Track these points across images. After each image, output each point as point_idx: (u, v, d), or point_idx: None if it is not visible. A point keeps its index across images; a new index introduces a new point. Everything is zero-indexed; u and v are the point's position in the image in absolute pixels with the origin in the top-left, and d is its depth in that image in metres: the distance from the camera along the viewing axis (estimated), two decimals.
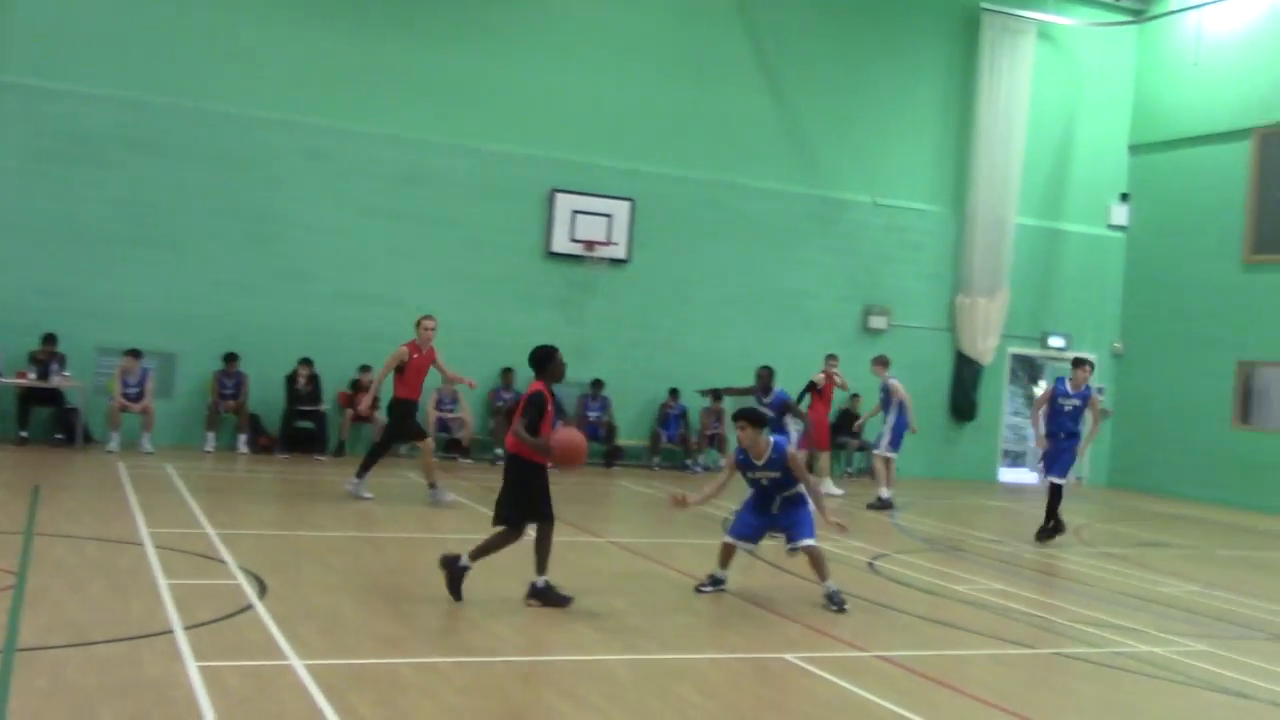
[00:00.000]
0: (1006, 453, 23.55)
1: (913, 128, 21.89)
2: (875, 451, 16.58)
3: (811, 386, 17.83)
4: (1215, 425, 21.08)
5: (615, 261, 19.60)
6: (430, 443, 13.65)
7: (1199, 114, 22.00)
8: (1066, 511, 14.61)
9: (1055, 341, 22.93)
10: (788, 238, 20.89)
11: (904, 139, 21.82)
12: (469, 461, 18.19)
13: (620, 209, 19.55)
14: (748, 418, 9.26)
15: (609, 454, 19.18)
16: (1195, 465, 21.27)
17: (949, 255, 22.07)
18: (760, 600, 9.49)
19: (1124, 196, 23.32)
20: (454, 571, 8.50)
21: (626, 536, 12.44)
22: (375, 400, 14.29)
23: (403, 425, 13.40)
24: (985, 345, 21.96)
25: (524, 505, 8.64)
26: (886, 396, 16.42)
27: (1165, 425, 22.00)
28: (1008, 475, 23.21)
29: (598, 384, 19.26)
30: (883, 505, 16.01)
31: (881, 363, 16.74)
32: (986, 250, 21.85)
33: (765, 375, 15.50)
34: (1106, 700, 7.33)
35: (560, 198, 19.29)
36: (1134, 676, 7.88)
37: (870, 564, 11.53)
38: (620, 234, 19.53)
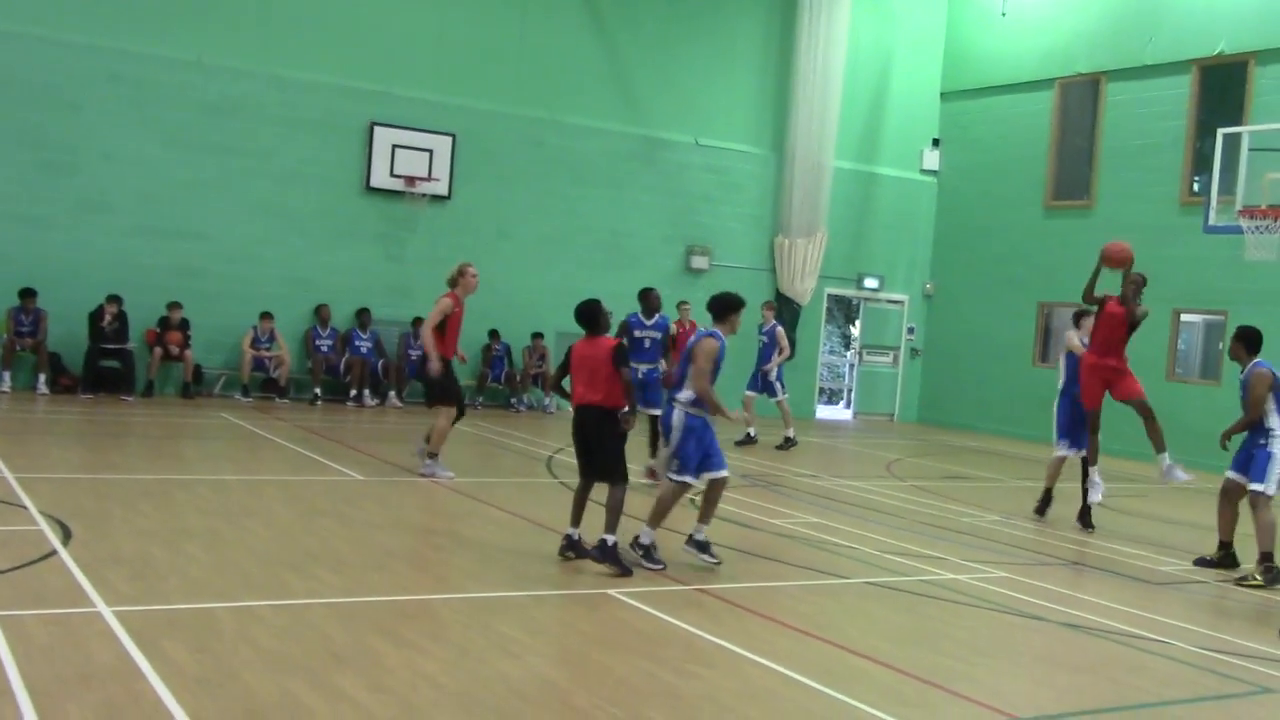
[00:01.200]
0: (822, 390, 24.22)
1: (734, 70, 22.07)
2: (777, 399, 17.27)
3: (670, 338, 15.72)
4: (1017, 363, 22.09)
5: (436, 198, 19.26)
6: (452, 413, 11.87)
7: (1006, 63, 22.79)
8: (878, 448, 15.15)
9: (870, 282, 23.61)
10: (610, 177, 20.88)
11: (726, 81, 21.98)
12: (286, 401, 17.74)
13: (442, 144, 19.18)
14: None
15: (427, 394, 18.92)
16: (998, 401, 22.26)
17: (769, 197, 22.42)
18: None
19: (935, 142, 24.06)
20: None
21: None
22: (444, 361, 11.68)
23: (449, 387, 11.79)
24: (804, 286, 22.46)
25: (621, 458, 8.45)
26: (770, 341, 17.12)
27: (972, 364, 22.93)
28: (824, 412, 23.89)
29: (418, 323, 18.95)
30: (789, 444, 16.88)
31: (770, 308, 17.98)
32: (805, 193, 22.28)
33: (652, 299, 13.24)
34: (913, 625, 7.65)
35: (380, 131, 18.81)
36: (938, 602, 8.25)
37: (691, 500, 11.72)
38: (442, 170, 19.18)
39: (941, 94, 24.02)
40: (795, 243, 22.26)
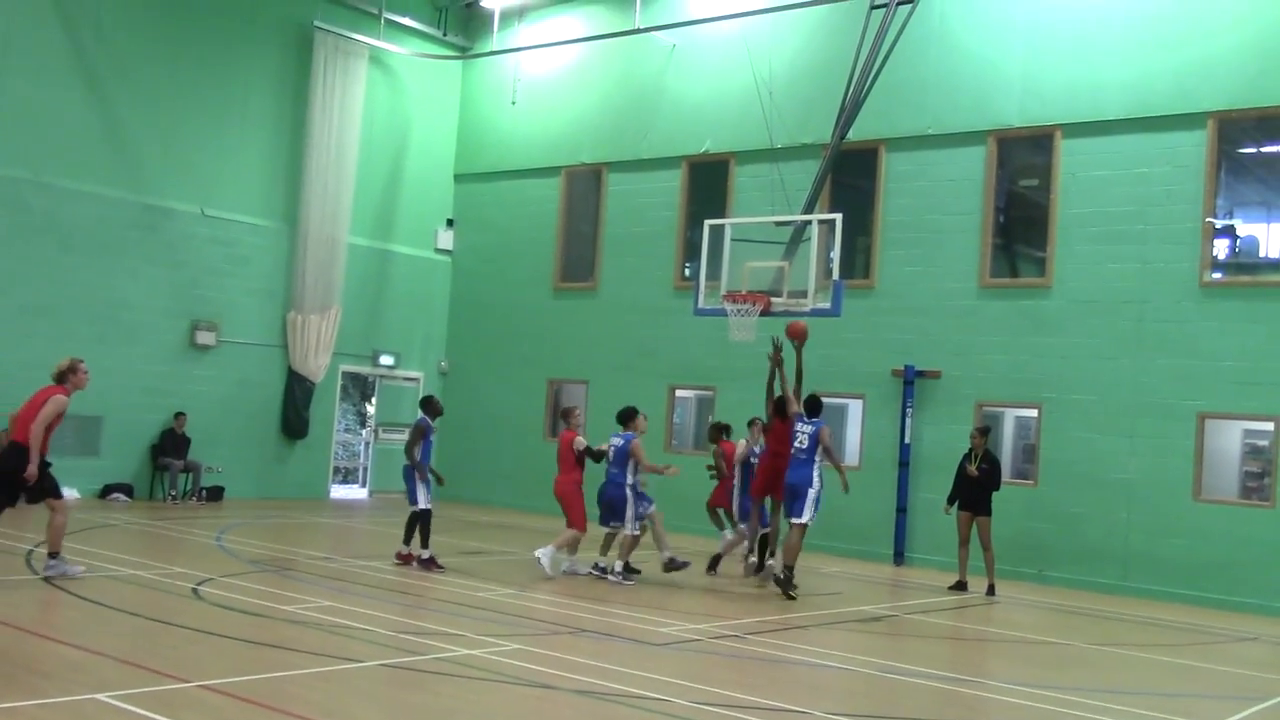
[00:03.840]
0: (338, 469, 23.72)
1: (245, 140, 21.35)
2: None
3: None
4: (529, 437, 22.76)
5: None
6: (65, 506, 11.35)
7: (517, 149, 23.71)
8: (398, 525, 14.98)
9: (385, 360, 23.52)
10: (105, 244, 19.41)
11: (235, 151, 21.21)
12: None
13: None
14: None
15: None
16: (512, 475, 22.76)
17: (281, 271, 21.79)
18: (69, 638, 8.67)
19: (450, 222, 24.51)
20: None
21: None
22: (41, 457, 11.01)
23: (50, 480, 11.21)
24: (318, 363, 21.97)
25: None
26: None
27: (486, 439, 23.34)
28: (339, 491, 23.37)
29: None
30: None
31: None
32: (318, 268, 21.89)
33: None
34: (426, 704, 7.56)
35: None
36: (454, 679, 8.22)
37: (194, 590, 11.01)
38: None
39: (456, 175, 24.56)
40: (309, 318, 21.76)
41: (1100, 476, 16.69)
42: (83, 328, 19.03)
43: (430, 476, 13.95)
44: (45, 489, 11.02)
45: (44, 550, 12.16)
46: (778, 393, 14.38)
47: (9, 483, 10.83)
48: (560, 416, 14.92)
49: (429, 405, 14.33)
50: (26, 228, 18.50)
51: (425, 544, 13.64)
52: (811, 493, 13.41)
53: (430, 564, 13.51)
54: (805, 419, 13.74)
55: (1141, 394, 16.56)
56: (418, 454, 13.83)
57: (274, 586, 11.57)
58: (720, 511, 15.65)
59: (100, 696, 7.00)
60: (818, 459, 13.55)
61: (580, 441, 13.94)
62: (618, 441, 13.76)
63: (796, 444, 13.64)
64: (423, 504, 13.71)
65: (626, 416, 14.05)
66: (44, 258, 18.67)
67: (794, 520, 13.44)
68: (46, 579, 10.93)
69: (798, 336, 14.33)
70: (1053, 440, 17.23)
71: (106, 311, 19.39)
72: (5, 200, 18.28)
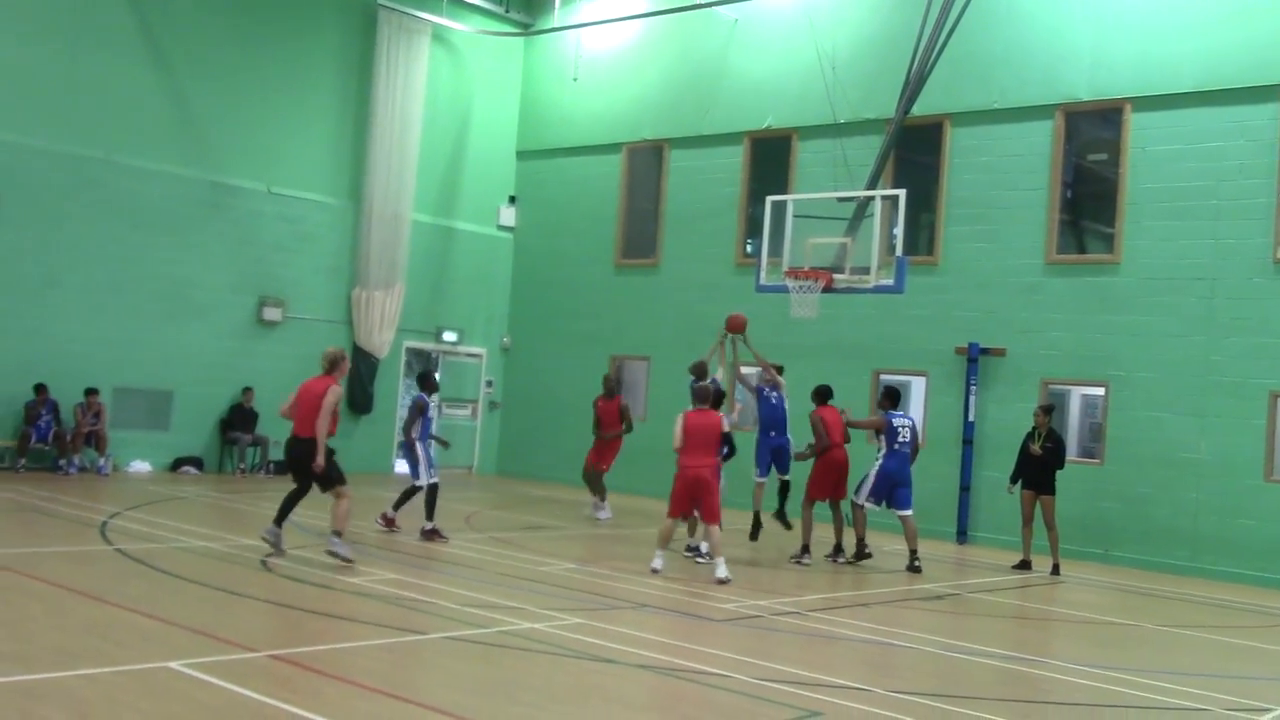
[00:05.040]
0: (401, 444, 23.91)
1: (310, 118, 21.58)
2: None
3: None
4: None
5: None
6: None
7: (579, 126, 23.73)
8: (458, 500, 15.14)
9: (448, 336, 23.71)
10: (175, 222, 19.74)
11: (301, 129, 21.45)
12: None
13: None
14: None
15: None
16: (574, 452, 22.79)
17: (346, 248, 22.03)
18: (144, 607, 8.88)
19: (512, 199, 24.61)
20: None
21: None
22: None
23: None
24: (382, 339, 22.21)
25: None
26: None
27: (548, 416, 23.47)
28: (402, 466, 23.57)
29: None
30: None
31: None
32: (383, 244, 22.09)
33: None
34: (490, 677, 7.65)
35: None
36: (516, 652, 8.31)
37: (263, 561, 11.22)
38: None
39: (518, 152, 24.64)
40: (373, 295, 21.99)
41: (1169, 456, 16.45)
42: (153, 304, 19.42)
43: (429, 451, 13.99)
44: (331, 478, 11.47)
45: (117, 521, 12.46)
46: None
47: (301, 471, 11.51)
48: (697, 398, 14.44)
49: (425, 382, 14.42)
50: (99, 206, 18.86)
51: (430, 516, 13.70)
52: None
53: (433, 535, 13.60)
54: (899, 413, 14.37)
55: (1212, 372, 16.29)
56: (415, 432, 13.89)
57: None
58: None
59: (173, 664, 7.17)
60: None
61: (730, 422, 13.43)
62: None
63: (901, 439, 14.03)
64: (424, 480, 13.76)
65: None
66: (116, 236, 19.03)
67: (906, 512, 14.13)
68: (330, 553, 11.29)
69: (738, 329, 15.07)
70: (1120, 419, 17.00)
71: (176, 288, 19.73)
72: (79, 179, 18.64)
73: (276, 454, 20.51)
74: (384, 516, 14.21)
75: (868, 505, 14.12)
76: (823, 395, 14.48)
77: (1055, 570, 14.90)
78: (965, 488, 18.09)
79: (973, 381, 18.11)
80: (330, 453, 11.48)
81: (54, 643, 7.62)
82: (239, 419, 20.10)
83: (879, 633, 10.12)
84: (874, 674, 8.55)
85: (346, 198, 22.01)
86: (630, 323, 22.58)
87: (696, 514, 12.77)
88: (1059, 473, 14.96)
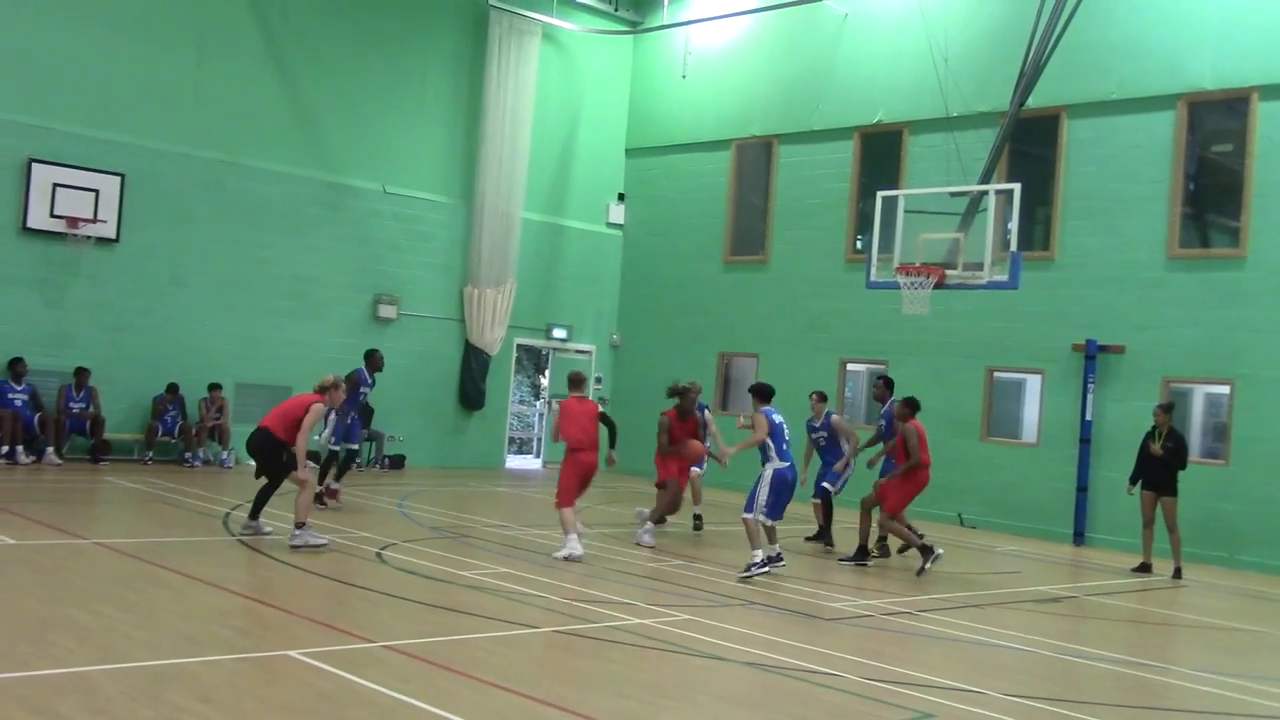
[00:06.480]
0: (512, 440, 24.26)
1: (423, 119, 21.96)
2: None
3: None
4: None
5: (102, 241, 18.10)
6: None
7: (687, 123, 23.75)
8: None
9: (558, 333, 23.92)
10: (294, 222, 20.26)
11: (415, 130, 21.83)
12: None
13: (109, 184, 18.06)
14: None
15: (96, 449, 17.74)
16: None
17: (458, 246, 22.36)
18: (265, 596, 9.14)
19: (621, 197, 24.73)
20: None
21: (115, 537, 11.53)
22: None
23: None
24: (493, 336, 22.49)
25: None
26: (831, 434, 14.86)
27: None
28: (514, 461, 23.91)
29: (82, 373, 17.72)
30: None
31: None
32: (494, 243, 22.37)
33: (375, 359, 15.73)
34: (599, 671, 7.71)
35: (39, 169, 17.52)
36: (625, 648, 8.36)
37: (378, 554, 11.46)
38: (109, 211, 18.04)
39: (626, 150, 24.74)
40: (484, 292, 22.28)
41: None
42: (274, 302, 19.95)
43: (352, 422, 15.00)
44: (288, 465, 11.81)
45: (241, 514, 12.82)
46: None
47: (265, 461, 11.84)
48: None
49: (369, 359, 15.61)
50: (223, 207, 19.43)
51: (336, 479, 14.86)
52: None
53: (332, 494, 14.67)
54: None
55: None
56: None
57: (452, 552, 11.94)
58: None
59: (291, 653, 7.37)
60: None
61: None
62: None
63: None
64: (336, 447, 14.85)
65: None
66: (239, 236, 19.58)
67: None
68: (294, 547, 11.30)
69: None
70: (1246, 418, 16.47)
71: (296, 286, 20.24)
72: (205, 181, 19.23)
73: (392, 449, 20.97)
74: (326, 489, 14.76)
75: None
76: (915, 406, 13.30)
77: (1177, 574, 14.50)
78: (1082, 488, 17.69)
79: (1090, 379, 17.70)
80: (290, 452, 11.73)
81: (180, 629, 7.88)
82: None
83: (992, 634, 9.96)
84: (987, 676, 8.41)
85: (459, 197, 22.34)
86: (739, 320, 22.54)
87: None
88: (1181, 473, 14.55)
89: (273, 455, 11.74)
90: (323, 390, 11.94)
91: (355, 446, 15.38)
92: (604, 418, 12.66)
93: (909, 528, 13.22)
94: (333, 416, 14.49)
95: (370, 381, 15.53)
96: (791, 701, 7.31)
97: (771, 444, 11.85)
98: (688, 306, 23.38)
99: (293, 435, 11.54)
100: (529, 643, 8.42)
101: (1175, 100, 17.41)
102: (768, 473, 11.85)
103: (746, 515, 11.80)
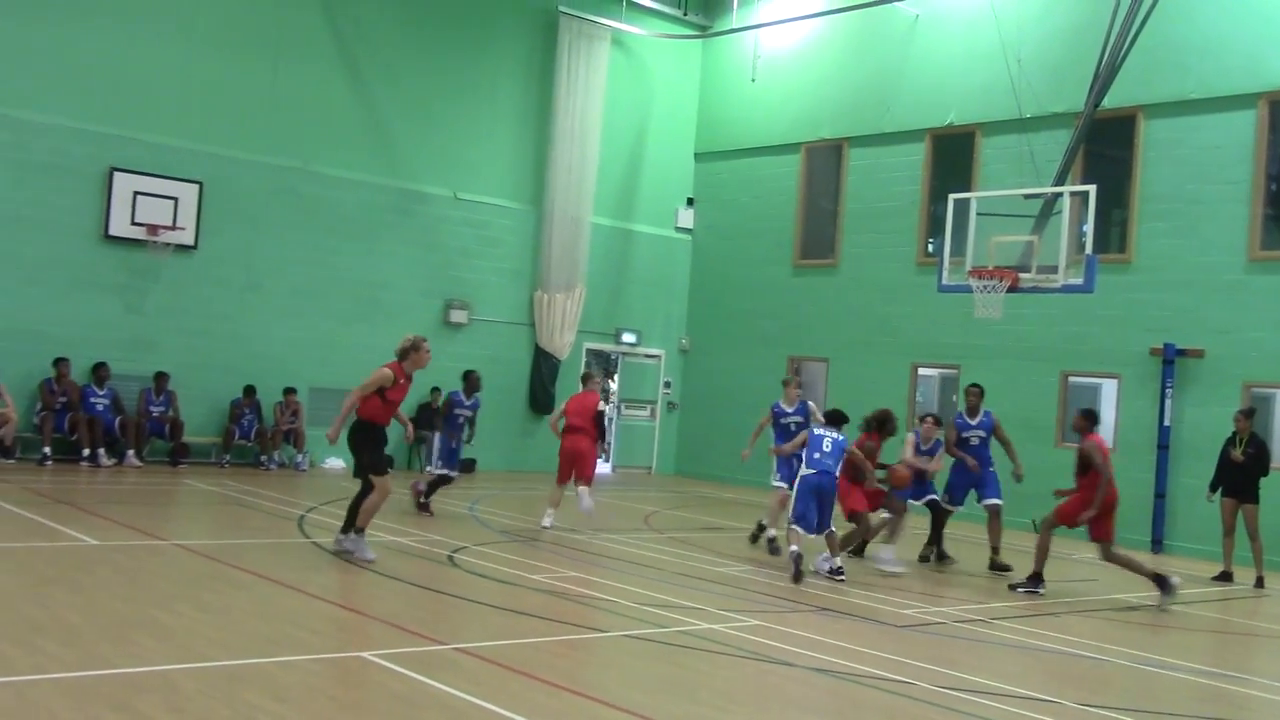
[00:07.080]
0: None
1: (493, 124, 22.12)
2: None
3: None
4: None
5: (181, 247, 18.47)
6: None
7: (757, 127, 23.68)
8: (637, 500, 15.27)
9: (628, 337, 23.96)
10: (366, 228, 20.51)
11: (484, 135, 22.01)
12: (12, 462, 16.54)
13: (188, 192, 18.44)
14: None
15: (175, 451, 18.09)
16: (753, 453, 22.79)
17: (528, 251, 22.50)
18: (339, 599, 9.26)
19: (690, 201, 24.72)
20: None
21: (193, 539, 11.75)
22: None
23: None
24: (563, 340, 22.59)
25: None
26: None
27: (726, 416, 23.47)
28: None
29: (161, 377, 18.10)
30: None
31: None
32: (563, 248, 22.48)
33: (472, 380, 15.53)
34: (670, 676, 7.71)
35: (120, 177, 17.93)
36: (695, 653, 8.35)
37: (450, 557, 11.55)
38: (187, 218, 18.42)
39: (695, 154, 24.74)
40: (554, 297, 22.39)
41: None
42: (347, 307, 20.21)
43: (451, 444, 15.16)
44: (366, 465, 11.09)
45: (314, 515, 12.99)
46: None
47: (353, 450, 11.19)
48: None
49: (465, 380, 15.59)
50: (297, 213, 19.73)
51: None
52: None
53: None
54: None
55: None
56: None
57: (523, 556, 12.00)
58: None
59: (365, 654, 7.46)
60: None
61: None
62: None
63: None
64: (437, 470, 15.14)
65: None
66: (312, 242, 19.87)
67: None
68: (336, 553, 11.10)
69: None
70: None
71: (368, 291, 20.49)
72: (279, 188, 19.54)
73: (464, 452, 21.10)
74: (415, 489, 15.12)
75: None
76: (1093, 419, 12.50)
77: (1259, 583, 14.17)
78: (1160, 495, 17.36)
79: (1168, 384, 17.37)
80: (379, 441, 11.17)
81: (256, 630, 8.01)
82: (427, 418, 20.68)
83: (1068, 643, 9.81)
84: (1063, 686, 8.28)
85: (528, 202, 22.47)
86: (809, 324, 22.42)
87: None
88: (1263, 480, 14.22)
89: (353, 438, 11.08)
90: (402, 355, 11.36)
91: (452, 474, 15.03)
92: (600, 415, 14.26)
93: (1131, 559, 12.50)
94: (437, 441, 14.89)
95: (467, 403, 15.13)
96: (863, 709, 7.26)
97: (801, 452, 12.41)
98: (757, 310, 23.30)
99: (365, 410, 11.04)
100: (599, 647, 8.44)
101: (1256, 99, 17.04)
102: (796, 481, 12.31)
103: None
